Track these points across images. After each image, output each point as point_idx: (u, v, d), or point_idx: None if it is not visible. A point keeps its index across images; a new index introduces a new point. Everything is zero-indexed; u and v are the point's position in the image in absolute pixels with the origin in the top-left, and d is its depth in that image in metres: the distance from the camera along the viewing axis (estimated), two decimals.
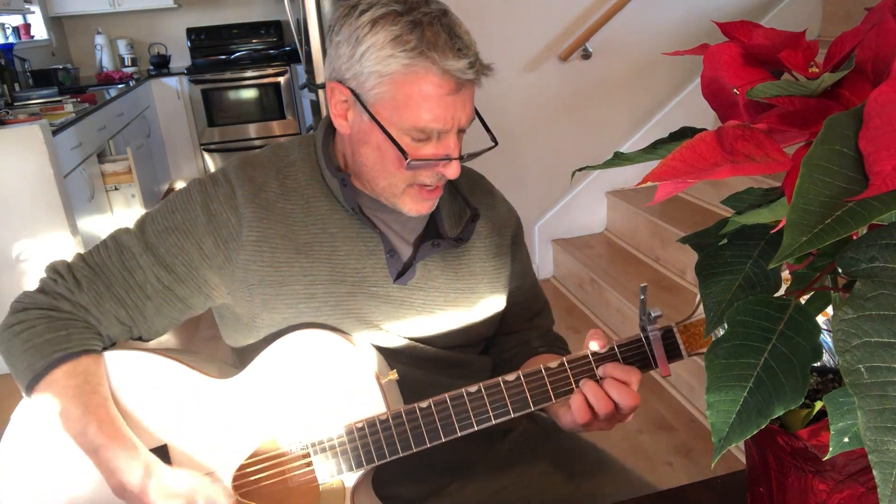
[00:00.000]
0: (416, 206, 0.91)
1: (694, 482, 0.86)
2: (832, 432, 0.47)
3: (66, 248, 2.84)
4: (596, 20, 2.81)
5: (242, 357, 0.98)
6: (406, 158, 0.84)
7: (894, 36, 0.47)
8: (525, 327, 1.08)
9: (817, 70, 0.52)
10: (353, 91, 0.86)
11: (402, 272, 0.94)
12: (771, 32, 0.53)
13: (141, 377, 0.88)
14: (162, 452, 0.85)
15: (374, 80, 0.84)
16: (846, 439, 0.47)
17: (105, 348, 0.89)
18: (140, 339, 0.94)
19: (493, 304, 1.02)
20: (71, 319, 0.87)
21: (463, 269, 0.98)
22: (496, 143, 0.92)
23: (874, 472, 0.40)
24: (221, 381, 0.88)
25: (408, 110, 0.83)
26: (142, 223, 0.93)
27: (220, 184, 0.92)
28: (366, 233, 0.93)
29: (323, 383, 0.85)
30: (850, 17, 2.87)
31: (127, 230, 0.94)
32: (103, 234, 3.50)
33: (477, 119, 0.92)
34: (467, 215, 1.00)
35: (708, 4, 2.96)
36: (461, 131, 0.88)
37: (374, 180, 0.90)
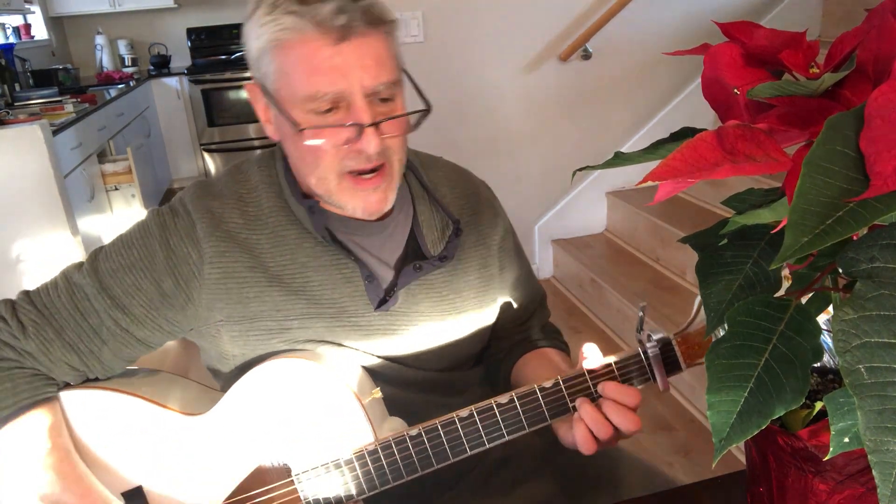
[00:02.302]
0: (361, 203, 0.83)
1: (694, 482, 0.86)
2: (832, 433, 0.47)
3: (66, 248, 2.84)
4: (596, 20, 2.81)
5: (218, 379, 0.95)
6: (297, 129, 0.77)
7: (895, 36, 0.47)
8: (521, 329, 1.03)
9: (818, 70, 0.52)
10: (261, 85, 0.82)
11: (383, 299, 0.87)
12: (771, 33, 0.53)
13: (105, 418, 0.83)
14: (138, 494, 0.82)
15: (264, 60, 0.79)
16: (846, 439, 0.47)
17: (60, 388, 0.84)
18: (97, 379, 0.87)
19: (481, 321, 0.96)
20: (17, 368, 0.80)
21: (447, 288, 0.92)
22: (429, 108, 0.83)
23: (874, 473, 0.40)
24: (194, 418, 0.83)
25: (296, 78, 0.77)
26: (95, 259, 0.86)
27: (180, 215, 0.86)
28: (340, 260, 0.86)
29: (301, 412, 0.81)
30: (850, 17, 2.87)
31: (79, 267, 0.86)
32: (103, 234, 3.49)
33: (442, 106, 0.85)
34: (450, 229, 0.92)
35: (708, 4, 2.96)
36: (372, 96, 0.78)
37: (307, 180, 0.83)
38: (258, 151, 0.96)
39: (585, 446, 0.77)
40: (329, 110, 0.78)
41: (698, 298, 0.78)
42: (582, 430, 0.77)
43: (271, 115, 0.85)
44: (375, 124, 0.77)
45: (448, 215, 0.93)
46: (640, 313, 0.79)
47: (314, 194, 0.87)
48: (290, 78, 0.77)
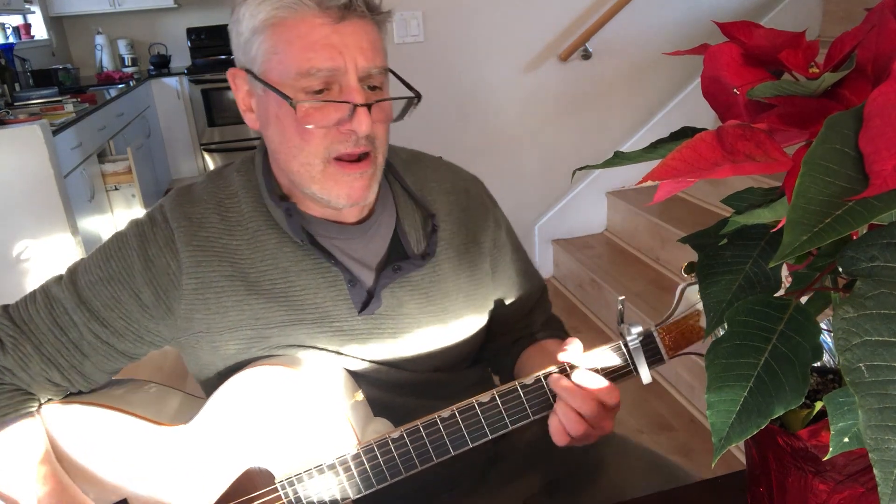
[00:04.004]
0: (346, 190, 0.81)
1: (694, 482, 0.86)
2: (832, 432, 0.47)
3: (66, 249, 2.84)
4: (596, 20, 2.81)
5: (202, 386, 0.94)
6: (290, 102, 0.76)
7: (895, 36, 0.47)
8: (523, 322, 1.02)
9: (818, 70, 0.52)
10: (246, 70, 0.81)
11: (366, 302, 0.86)
12: (771, 32, 0.53)
13: (86, 433, 0.82)
14: None
15: (256, 41, 0.78)
16: (846, 439, 0.46)
17: (41, 404, 0.83)
18: (80, 393, 0.86)
19: (472, 321, 0.94)
20: None
21: (434, 288, 0.90)
22: (418, 96, 0.84)
23: (875, 471, 0.40)
24: (176, 429, 0.83)
25: (290, 55, 0.76)
26: (73, 272, 0.85)
27: (158, 224, 0.85)
28: (322, 264, 0.85)
29: (283, 419, 0.80)
30: (850, 17, 2.87)
31: (58, 280, 0.85)
32: (103, 234, 3.49)
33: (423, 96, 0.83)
34: (429, 225, 0.91)
35: (708, 4, 2.96)
36: (367, 80, 0.79)
37: (289, 166, 0.81)
38: (241, 156, 0.94)
39: (556, 437, 0.78)
40: (321, 91, 0.77)
41: (680, 287, 0.78)
42: (554, 421, 0.77)
43: (253, 102, 0.84)
44: (368, 105, 0.77)
45: (426, 210, 0.92)
46: (620, 307, 0.79)
47: (293, 192, 0.86)
48: (284, 55, 0.77)
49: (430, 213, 0.91)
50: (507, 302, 1.00)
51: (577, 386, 0.76)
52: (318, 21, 0.76)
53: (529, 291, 1.02)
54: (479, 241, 0.95)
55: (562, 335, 1.04)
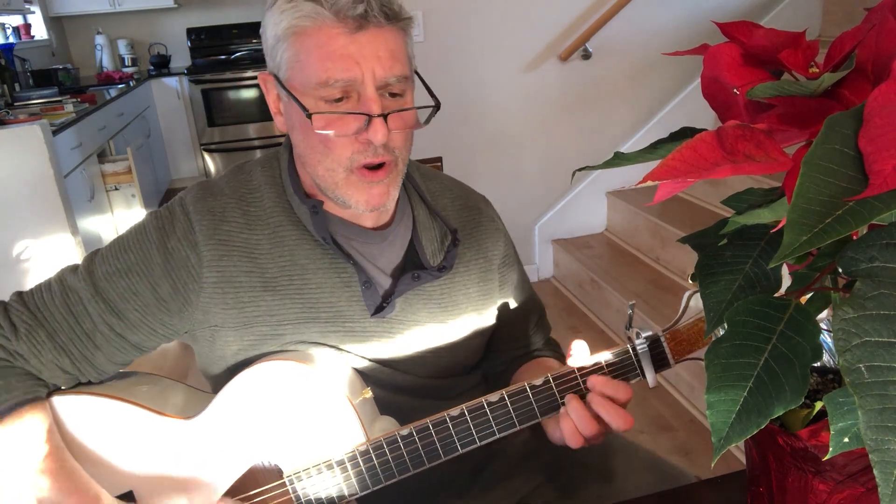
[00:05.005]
0: (365, 197, 0.82)
1: (694, 482, 0.86)
2: (832, 432, 0.47)
3: (66, 248, 2.84)
4: (596, 20, 2.81)
5: (210, 381, 0.95)
6: (306, 113, 0.77)
7: (894, 36, 0.47)
8: (521, 342, 1.04)
9: (817, 70, 0.52)
10: (274, 75, 0.83)
11: (380, 306, 0.87)
12: (771, 32, 0.53)
13: (95, 423, 0.83)
14: (128, 499, 0.82)
15: (280, 48, 0.80)
16: (846, 439, 0.46)
17: (50, 392, 0.83)
18: (89, 383, 0.86)
19: (478, 332, 0.97)
20: (8, 367, 0.80)
21: (446, 299, 0.92)
22: (438, 104, 0.84)
23: (875, 472, 0.40)
24: (185, 422, 0.83)
25: (310, 65, 0.77)
26: (90, 262, 0.85)
27: (178, 217, 0.85)
28: (339, 264, 0.86)
29: (292, 414, 0.80)
30: (850, 17, 2.87)
31: (74, 269, 0.85)
32: (103, 234, 3.47)
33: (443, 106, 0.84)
34: (449, 239, 0.92)
35: (708, 4, 2.96)
36: (386, 89, 0.79)
37: (314, 170, 0.83)
38: (259, 152, 0.94)
39: (572, 441, 0.78)
40: (340, 99, 0.78)
41: (687, 294, 0.78)
42: (569, 425, 0.78)
43: (281, 105, 0.85)
44: (384, 115, 0.78)
45: (446, 225, 0.93)
46: (630, 311, 0.80)
47: (317, 193, 0.88)
48: (304, 64, 0.78)
49: (452, 227, 0.93)
50: (511, 317, 1.02)
51: (602, 394, 0.77)
52: (336, 31, 0.76)
53: (531, 309, 1.05)
54: (490, 257, 0.97)
55: (560, 357, 1.05)
